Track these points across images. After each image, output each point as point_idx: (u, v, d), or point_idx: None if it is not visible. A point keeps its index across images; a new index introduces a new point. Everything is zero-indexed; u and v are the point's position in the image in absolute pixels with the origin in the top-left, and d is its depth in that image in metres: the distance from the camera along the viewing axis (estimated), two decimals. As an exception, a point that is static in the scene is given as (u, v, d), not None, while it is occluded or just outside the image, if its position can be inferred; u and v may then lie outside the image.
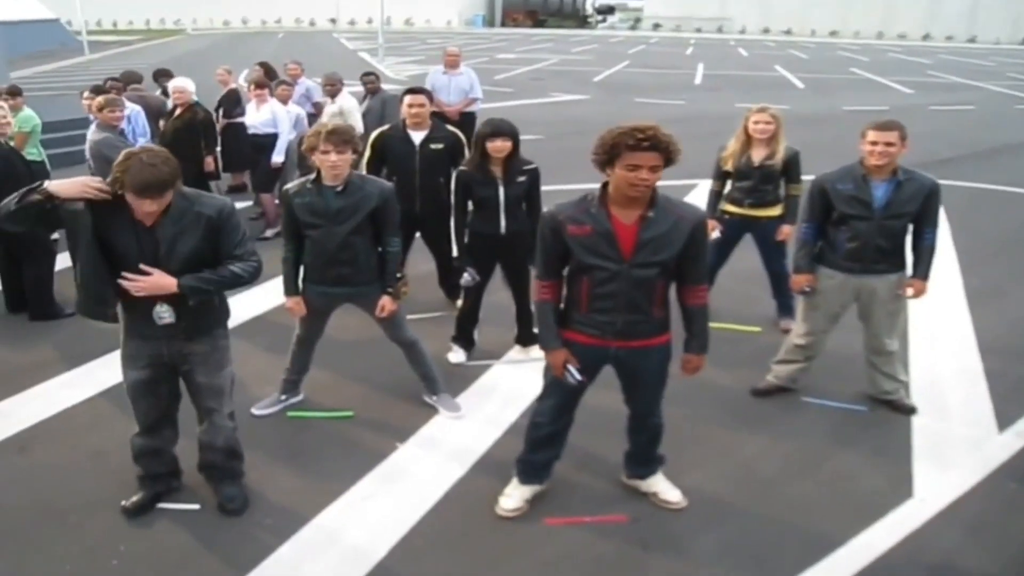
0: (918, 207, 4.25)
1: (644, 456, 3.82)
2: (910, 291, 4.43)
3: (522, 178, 4.89)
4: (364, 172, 5.01)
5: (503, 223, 4.91)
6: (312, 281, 4.30)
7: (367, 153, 5.70)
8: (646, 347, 3.40)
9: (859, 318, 4.59)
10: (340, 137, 3.99)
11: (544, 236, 3.29)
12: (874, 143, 4.15)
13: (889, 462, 4.16)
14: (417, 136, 5.58)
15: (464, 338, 5.33)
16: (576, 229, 3.20)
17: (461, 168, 4.95)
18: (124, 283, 3.19)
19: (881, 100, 20.48)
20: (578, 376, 3.37)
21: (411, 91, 5.70)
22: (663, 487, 3.82)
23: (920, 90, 23.58)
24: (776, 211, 5.49)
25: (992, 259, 7.44)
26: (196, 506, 3.78)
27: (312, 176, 4.14)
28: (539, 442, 3.73)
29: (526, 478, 3.79)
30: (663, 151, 3.01)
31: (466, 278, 5.01)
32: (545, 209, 3.29)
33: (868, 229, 4.26)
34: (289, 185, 4.29)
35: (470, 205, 4.97)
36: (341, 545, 3.54)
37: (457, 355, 5.30)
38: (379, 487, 3.96)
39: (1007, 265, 7.31)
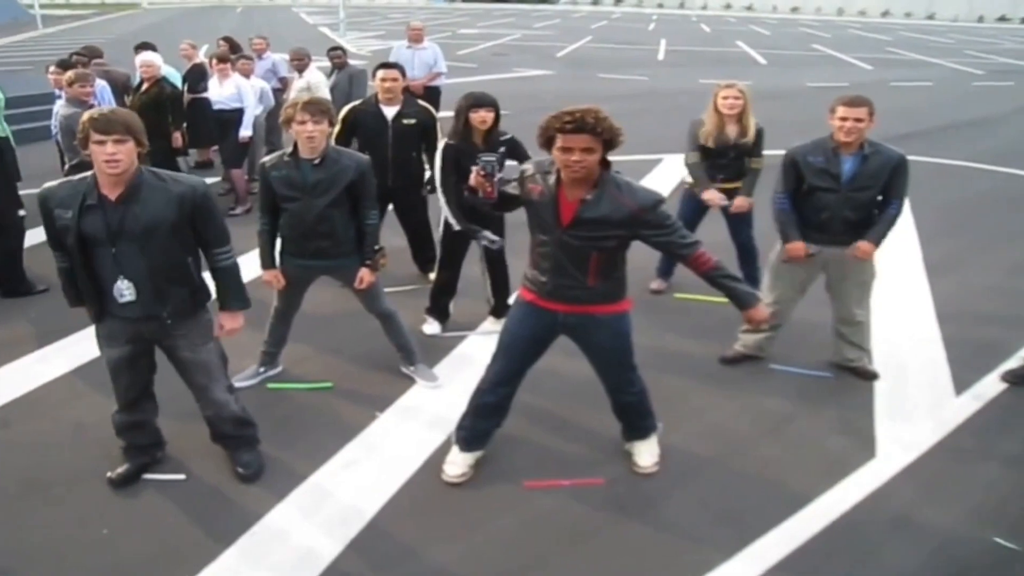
0: (885, 180, 4.38)
1: (627, 424, 3.94)
2: (856, 251, 4.46)
3: (502, 149, 4.93)
4: None
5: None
6: (290, 254, 4.33)
7: (337, 127, 5.73)
8: (590, 314, 3.49)
9: (827, 290, 4.74)
10: (317, 107, 4.02)
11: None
12: (844, 119, 4.25)
13: (853, 425, 4.33)
14: (389, 111, 5.60)
15: (439, 310, 5.40)
16: (533, 187, 3.37)
17: (448, 142, 4.92)
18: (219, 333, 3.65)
19: (842, 76, 20.75)
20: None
21: (384, 66, 5.71)
22: (638, 450, 3.95)
23: (880, 66, 23.93)
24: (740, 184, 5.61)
25: (950, 232, 7.67)
26: (182, 476, 3.84)
27: (289, 149, 4.16)
28: (483, 409, 3.81)
29: (467, 446, 3.86)
30: (591, 132, 3.09)
31: (497, 242, 4.92)
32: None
33: (836, 201, 4.39)
34: (266, 158, 4.30)
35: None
36: (327, 511, 3.62)
37: (431, 327, 5.37)
38: (360, 455, 4.03)
39: (964, 237, 7.54)
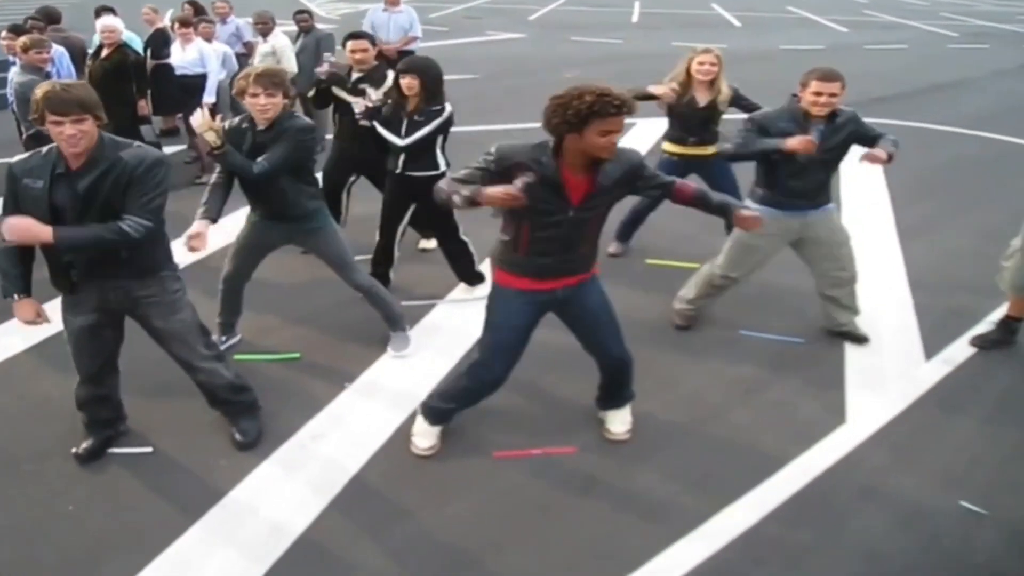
0: (848, 135, 4.36)
1: (609, 393, 3.92)
2: (875, 159, 4.29)
3: (420, 118, 4.78)
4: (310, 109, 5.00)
5: (400, 163, 4.90)
6: (252, 214, 4.30)
7: (312, 91, 5.61)
8: (582, 281, 3.49)
9: (806, 260, 4.70)
10: (270, 80, 3.91)
11: (488, 168, 3.18)
12: (818, 94, 4.20)
13: (824, 390, 4.34)
14: (353, 76, 5.50)
15: (379, 278, 5.08)
16: (524, 177, 3.16)
17: (385, 102, 4.91)
18: None
19: (817, 39, 20.66)
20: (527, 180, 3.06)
21: (353, 36, 5.56)
22: (611, 418, 3.94)
23: (855, 29, 23.84)
24: (714, 148, 5.55)
25: (923, 196, 7.66)
26: (149, 449, 3.78)
27: (248, 115, 4.08)
28: (473, 399, 3.76)
29: (438, 420, 3.82)
30: (628, 113, 3.06)
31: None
32: (496, 146, 3.22)
33: (811, 165, 4.35)
34: (227, 122, 4.19)
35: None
36: (295, 484, 3.58)
37: None
38: (329, 428, 3.99)
39: (938, 202, 7.54)
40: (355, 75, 5.49)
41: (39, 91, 3.05)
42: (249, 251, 4.39)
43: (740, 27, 24.03)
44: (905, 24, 25.56)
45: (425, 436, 3.80)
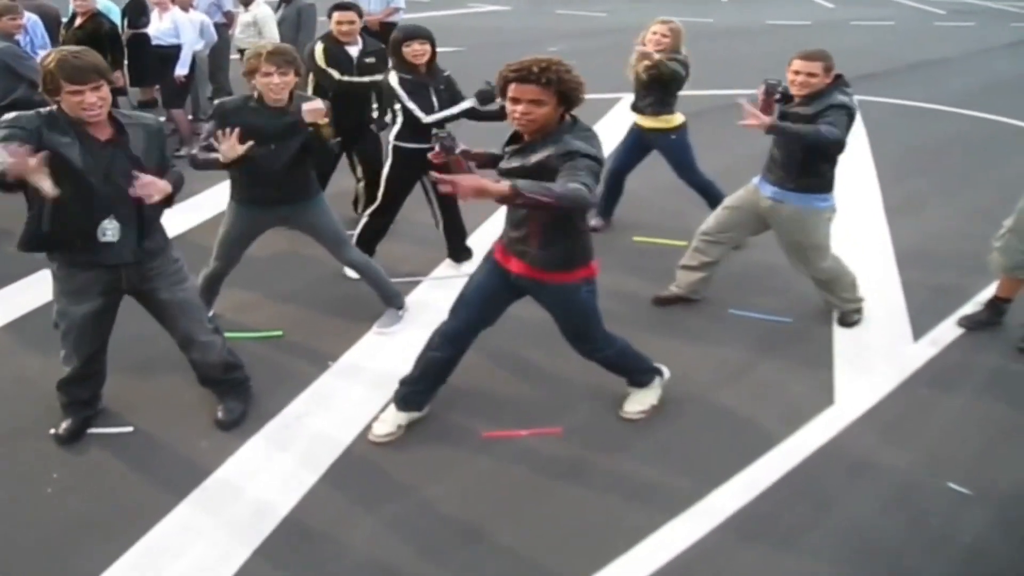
0: (811, 118, 4.11)
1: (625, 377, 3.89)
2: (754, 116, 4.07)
3: (442, 86, 4.73)
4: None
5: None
6: (247, 202, 4.15)
7: (320, 60, 5.40)
8: (534, 279, 3.36)
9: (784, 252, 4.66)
10: (283, 58, 3.78)
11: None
12: (796, 72, 4.13)
13: (812, 370, 4.32)
14: (352, 50, 5.40)
15: (366, 252, 4.94)
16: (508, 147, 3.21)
17: (402, 75, 4.65)
18: (137, 191, 3.03)
19: (803, 14, 20.57)
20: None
21: (340, 7, 5.41)
22: (631, 395, 3.91)
23: (841, 4, 23.74)
24: (672, 123, 5.48)
25: (910, 174, 7.64)
26: (129, 428, 3.71)
27: (255, 95, 3.94)
28: (432, 365, 3.65)
29: (405, 405, 3.73)
30: (538, 83, 2.94)
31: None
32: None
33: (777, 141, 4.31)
34: (226, 99, 4.05)
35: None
36: (278, 465, 3.52)
37: (353, 272, 4.96)
38: (312, 407, 3.92)
39: (925, 180, 7.52)
40: (351, 50, 5.37)
41: (50, 60, 2.94)
42: (238, 242, 4.27)
43: (726, 1, 23.86)
44: (891, 0, 25.47)
45: (385, 422, 3.71)
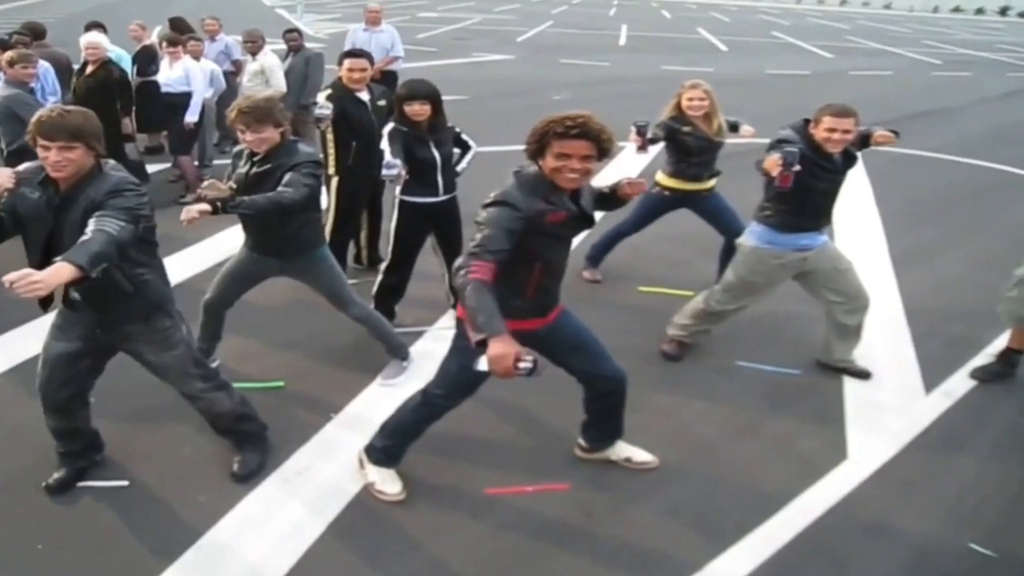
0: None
1: (612, 421, 3.73)
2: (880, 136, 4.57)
3: (445, 140, 4.73)
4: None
5: (441, 186, 4.74)
6: (251, 248, 4.15)
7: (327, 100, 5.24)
8: (562, 310, 3.41)
9: (814, 292, 4.57)
10: (252, 116, 3.72)
11: (508, 221, 2.89)
12: (832, 130, 4.09)
13: (823, 425, 4.23)
14: (363, 96, 5.40)
15: (386, 314, 4.92)
16: (555, 217, 3.03)
17: (399, 127, 4.61)
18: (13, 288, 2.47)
19: (803, 64, 20.81)
20: (531, 364, 2.55)
21: (352, 55, 5.43)
22: (633, 451, 3.81)
23: (840, 55, 24.07)
24: (713, 182, 5.42)
25: (916, 224, 7.62)
26: (125, 483, 3.61)
27: None
28: (420, 431, 3.59)
29: (394, 462, 3.64)
30: (593, 140, 2.90)
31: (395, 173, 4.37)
32: (503, 197, 2.97)
33: (831, 187, 4.30)
34: (240, 146, 4.01)
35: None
36: (278, 522, 3.41)
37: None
38: (314, 460, 3.83)
39: (930, 230, 7.50)
40: (361, 96, 5.37)
41: (37, 115, 2.97)
42: (238, 280, 4.24)
43: (726, 51, 24.20)
44: (889, 51, 25.82)
45: (393, 480, 3.61)
